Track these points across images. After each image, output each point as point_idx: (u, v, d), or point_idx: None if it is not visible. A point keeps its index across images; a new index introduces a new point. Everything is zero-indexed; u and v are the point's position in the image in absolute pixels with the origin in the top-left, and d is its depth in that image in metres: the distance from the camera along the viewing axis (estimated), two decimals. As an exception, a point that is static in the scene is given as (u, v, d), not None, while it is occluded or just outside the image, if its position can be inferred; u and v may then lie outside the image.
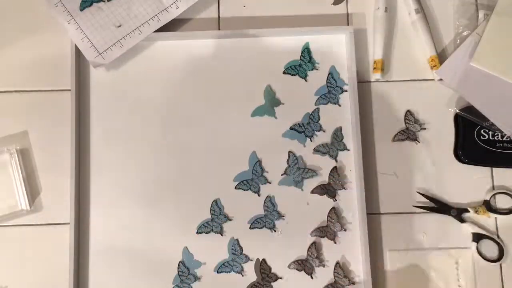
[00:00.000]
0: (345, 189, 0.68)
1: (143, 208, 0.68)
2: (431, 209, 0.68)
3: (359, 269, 0.67)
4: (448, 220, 0.68)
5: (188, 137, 0.70)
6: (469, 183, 0.69)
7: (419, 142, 0.70)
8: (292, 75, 0.71)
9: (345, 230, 0.67)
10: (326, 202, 0.68)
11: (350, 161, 0.69)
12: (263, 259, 0.67)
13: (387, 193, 0.69)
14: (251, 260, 0.67)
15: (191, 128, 0.70)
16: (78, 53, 0.70)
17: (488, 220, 0.68)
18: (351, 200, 0.68)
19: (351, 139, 0.69)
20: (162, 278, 0.66)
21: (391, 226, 0.68)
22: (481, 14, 0.71)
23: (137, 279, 0.66)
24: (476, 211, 0.67)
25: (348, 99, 0.70)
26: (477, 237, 0.67)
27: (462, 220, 0.68)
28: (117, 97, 0.71)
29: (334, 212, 0.68)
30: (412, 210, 0.68)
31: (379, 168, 0.70)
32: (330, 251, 0.67)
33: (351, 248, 0.67)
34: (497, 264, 0.67)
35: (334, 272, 0.66)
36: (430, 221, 0.68)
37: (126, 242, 0.67)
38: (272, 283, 0.66)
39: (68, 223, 0.66)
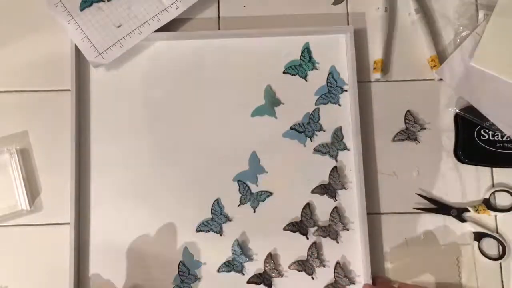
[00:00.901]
0: (345, 189, 0.68)
1: (143, 208, 0.68)
2: (431, 210, 0.68)
3: (359, 269, 0.66)
4: (448, 220, 0.68)
5: (188, 137, 0.70)
6: (469, 183, 0.69)
7: (419, 142, 0.70)
8: (292, 75, 0.71)
9: (347, 229, 0.67)
10: (326, 202, 0.68)
11: (350, 161, 0.69)
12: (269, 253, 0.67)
13: (387, 193, 0.69)
14: (251, 260, 0.67)
15: (191, 128, 0.70)
16: (78, 53, 0.70)
17: (489, 218, 0.68)
18: (351, 200, 0.68)
19: (351, 139, 0.69)
20: (163, 278, 0.66)
21: (391, 226, 0.68)
22: (481, 14, 0.71)
23: (138, 279, 0.66)
24: (476, 210, 0.67)
25: (348, 99, 0.70)
26: (479, 236, 0.67)
27: (462, 220, 0.68)
28: (117, 97, 0.71)
29: (337, 212, 0.68)
30: (413, 210, 0.68)
31: (379, 168, 0.70)
32: (331, 251, 0.67)
33: (351, 248, 0.67)
34: (500, 261, 0.67)
35: (334, 272, 0.66)
36: (431, 221, 0.68)
37: (126, 242, 0.67)
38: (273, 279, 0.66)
39: (68, 223, 0.66)
